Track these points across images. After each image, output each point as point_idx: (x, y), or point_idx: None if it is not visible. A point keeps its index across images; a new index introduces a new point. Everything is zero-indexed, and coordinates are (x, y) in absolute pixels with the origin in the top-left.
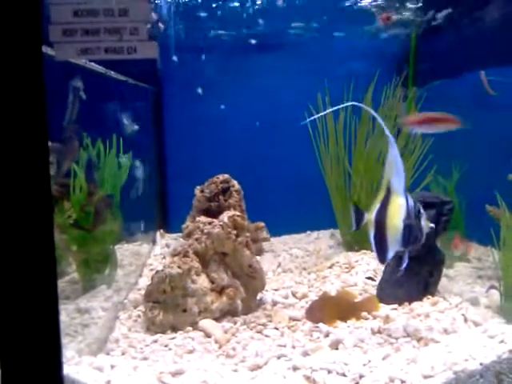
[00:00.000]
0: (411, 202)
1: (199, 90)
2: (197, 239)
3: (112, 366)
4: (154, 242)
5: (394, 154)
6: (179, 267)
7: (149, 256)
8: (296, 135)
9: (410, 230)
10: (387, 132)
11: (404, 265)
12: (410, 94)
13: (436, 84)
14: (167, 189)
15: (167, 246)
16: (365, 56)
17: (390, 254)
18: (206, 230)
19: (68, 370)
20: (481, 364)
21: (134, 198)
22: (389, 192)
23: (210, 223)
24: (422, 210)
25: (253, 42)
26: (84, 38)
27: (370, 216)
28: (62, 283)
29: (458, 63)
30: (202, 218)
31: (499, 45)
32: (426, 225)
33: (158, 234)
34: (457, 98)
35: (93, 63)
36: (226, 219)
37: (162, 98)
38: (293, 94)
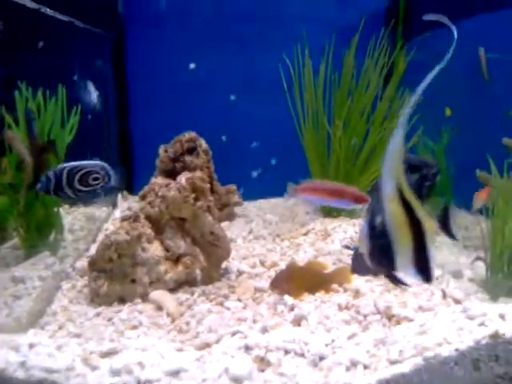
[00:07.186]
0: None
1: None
2: (150, 203)
3: (31, 346)
4: (114, 205)
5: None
6: (127, 233)
7: (106, 220)
8: (271, 89)
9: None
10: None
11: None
12: (398, 47)
13: (427, 35)
14: (132, 146)
15: (129, 209)
16: (349, 4)
17: None
18: (160, 193)
19: None
20: (456, 350)
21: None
22: None
23: (166, 185)
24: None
25: None
26: None
27: None
28: (3, 249)
29: (454, 8)
30: (159, 180)
31: None
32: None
33: (119, 195)
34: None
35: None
36: (183, 181)
37: (125, 45)
38: (269, 44)
